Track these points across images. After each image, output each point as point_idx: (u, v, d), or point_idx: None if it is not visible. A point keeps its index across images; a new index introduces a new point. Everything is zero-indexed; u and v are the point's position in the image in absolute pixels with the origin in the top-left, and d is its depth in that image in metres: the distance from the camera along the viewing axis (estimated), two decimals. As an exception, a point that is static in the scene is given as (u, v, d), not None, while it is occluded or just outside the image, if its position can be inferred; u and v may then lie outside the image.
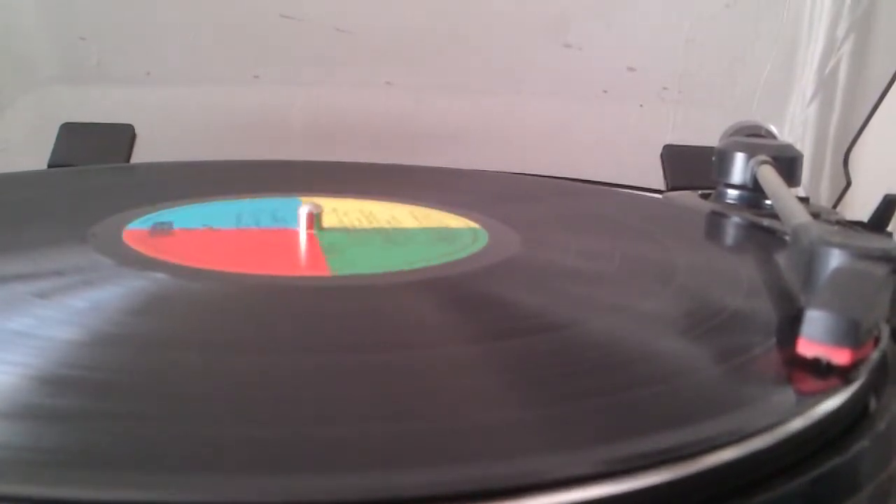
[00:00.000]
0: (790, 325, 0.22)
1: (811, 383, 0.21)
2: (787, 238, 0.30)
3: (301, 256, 0.30)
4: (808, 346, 0.21)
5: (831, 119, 0.59)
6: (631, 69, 0.61)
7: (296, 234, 0.33)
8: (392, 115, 0.61)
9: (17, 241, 0.31)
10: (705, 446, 0.17)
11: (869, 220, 0.39)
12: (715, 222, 0.40)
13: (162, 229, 0.32)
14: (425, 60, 0.61)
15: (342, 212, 0.36)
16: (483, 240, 0.32)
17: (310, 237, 0.32)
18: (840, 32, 0.58)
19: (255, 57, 0.60)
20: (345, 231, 0.33)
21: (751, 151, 0.40)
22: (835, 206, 0.55)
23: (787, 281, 0.28)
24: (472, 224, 0.35)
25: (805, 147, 0.58)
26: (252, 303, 0.26)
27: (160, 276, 0.27)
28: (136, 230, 0.32)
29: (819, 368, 0.21)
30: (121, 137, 0.50)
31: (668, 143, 0.53)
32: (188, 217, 0.35)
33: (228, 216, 0.35)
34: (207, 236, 0.32)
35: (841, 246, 0.24)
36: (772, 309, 0.27)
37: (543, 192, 0.46)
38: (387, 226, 0.35)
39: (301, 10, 0.59)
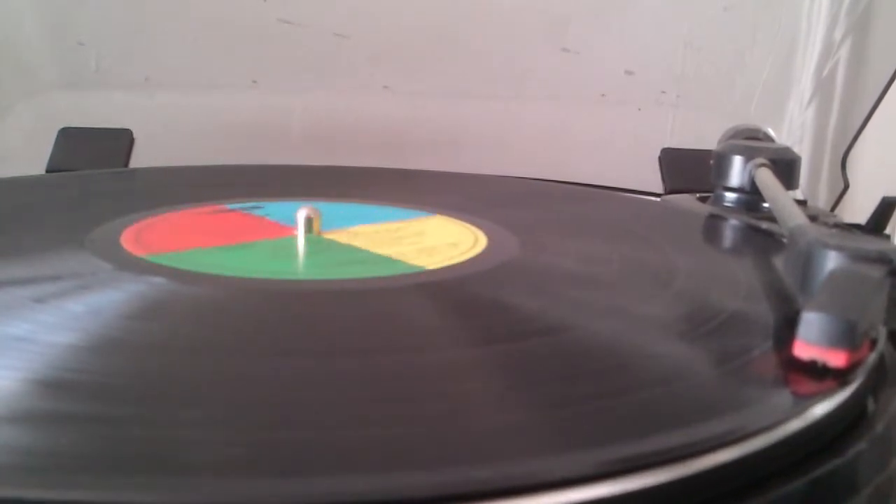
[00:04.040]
0: (787, 327, 0.22)
1: (808, 385, 0.21)
2: (784, 240, 0.30)
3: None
4: (805, 349, 0.21)
5: (829, 122, 0.59)
6: (629, 73, 0.61)
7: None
8: (391, 119, 0.61)
9: (15, 246, 0.31)
10: (703, 447, 0.17)
11: (867, 223, 0.39)
12: (713, 225, 0.40)
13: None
14: (423, 65, 0.61)
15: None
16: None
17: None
18: (838, 35, 0.58)
19: (253, 62, 0.60)
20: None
21: (749, 154, 0.40)
22: (833, 209, 0.55)
23: (784, 283, 0.28)
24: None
25: (803, 150, 0.58)
26: (251, 306, 0.26)
27: (158, 280, 0.27)
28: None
29: (816, 370, 0.21)
30: (119, 142, 0.50)
31: (666, 146, 0.54)
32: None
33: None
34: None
35: (837, 248, 0.24)
36: (769, 311, 0.27)
37: (542, 195, 0.46)
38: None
39: (299, 15, 0.59)
